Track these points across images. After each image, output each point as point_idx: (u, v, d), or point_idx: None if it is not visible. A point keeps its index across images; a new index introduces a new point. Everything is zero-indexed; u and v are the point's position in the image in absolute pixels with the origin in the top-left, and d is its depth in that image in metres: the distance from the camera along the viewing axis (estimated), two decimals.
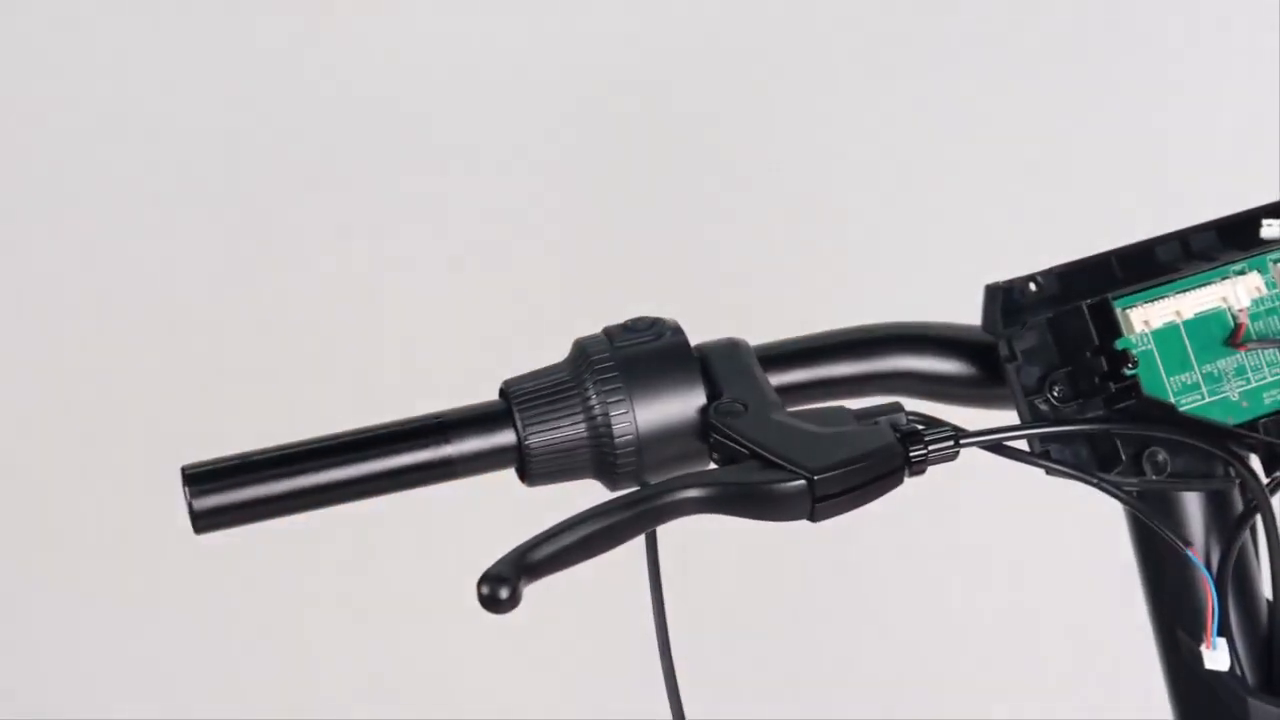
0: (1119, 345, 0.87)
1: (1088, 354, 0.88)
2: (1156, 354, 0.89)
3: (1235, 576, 0.91)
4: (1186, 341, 0.89)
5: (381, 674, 1.89)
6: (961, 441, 0.85)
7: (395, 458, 0.86)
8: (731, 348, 0.89)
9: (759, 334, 0.92)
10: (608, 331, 0.88)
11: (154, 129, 1.78)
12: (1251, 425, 0.89)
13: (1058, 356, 0.89)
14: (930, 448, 0.84)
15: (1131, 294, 0.89)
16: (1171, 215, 0.95)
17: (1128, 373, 0.87)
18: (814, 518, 0.82)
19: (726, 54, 1.82)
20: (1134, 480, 0.89)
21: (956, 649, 1.90)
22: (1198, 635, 0.90)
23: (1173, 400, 0.88)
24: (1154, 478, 0.89)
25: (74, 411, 1.78)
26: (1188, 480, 0.89)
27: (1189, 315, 0.89)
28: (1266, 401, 0.90)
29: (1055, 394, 0.89)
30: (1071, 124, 1.82)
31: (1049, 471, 0.88)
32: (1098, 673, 1.87)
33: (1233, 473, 0.89)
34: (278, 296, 1.78)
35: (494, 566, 0.77)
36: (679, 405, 0.87)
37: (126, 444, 1.78)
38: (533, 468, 0.87)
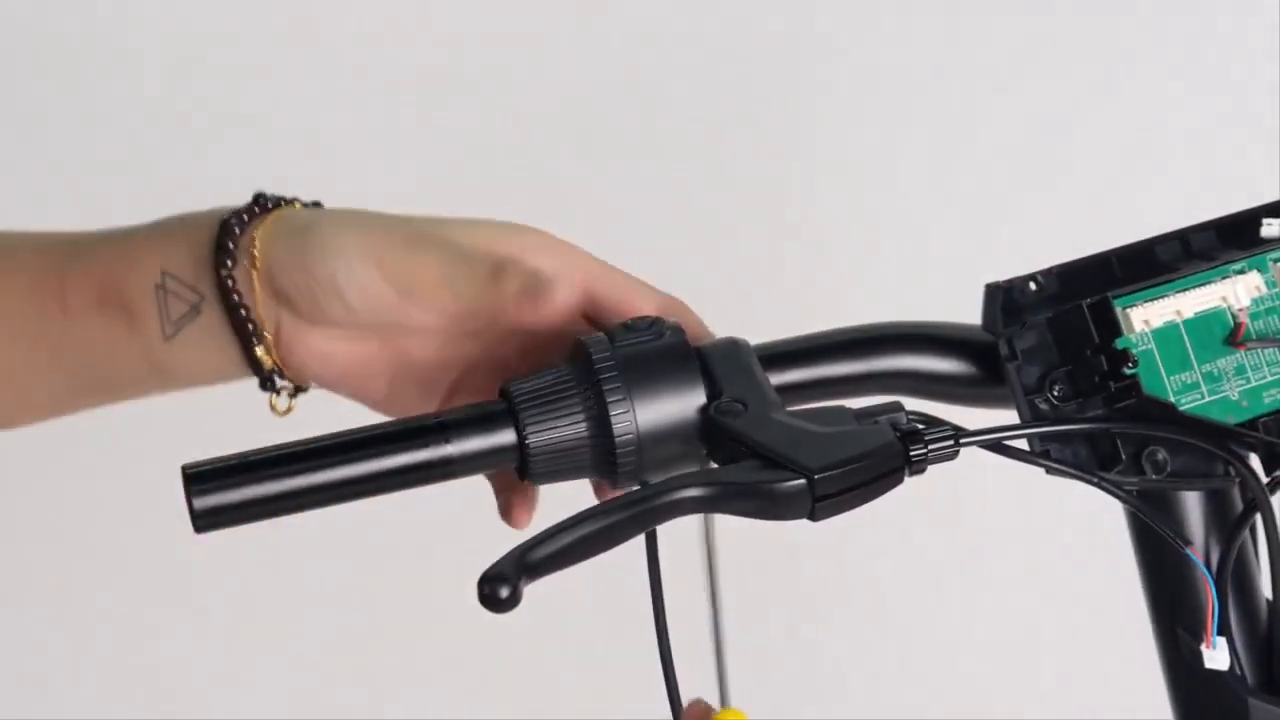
0: (1119, 344, 0.87)
1: (1088, 353, 0.88)
2: (1156, 353, 0.89)
3: (1235, 576, 0.91)
4: (1186, 341, 0.89)
5: (382, 674, 1.89)
6: (961, 441, 0.85)
7: (395, 457, 0.86)
8: (731, 347, 0.89)
9: (759, 333, 0.92)
10: (608, 331, 0.88)
11: (154, 126, 1.78)
12: (1251, 424, 0.89)
13: (1058, 356, 0.89)
14: (930, 447, 0.84)
15: (1131, 293, 0.89)
16: (1171, 214, 0.95)
17: (1128, 372, 0.87)
18: (814, 517, 0.82)
19: (728, 54, 1.82)
20: (1134, 479, 0.89)
21: (955, 648, 1.90)
22: (1198, 634, 0.90)
23: (1173, 399, 0.88)
24: (1154, 477, 0.89)
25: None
26: (1188, 479, 0.89)
27: (1189, 314, 0.89)
28: (1266, 400, 0.90)
29: (1055, 393, 0.89)
30: (1071, 123, 1.82)
31: (1049, 471, 0.88)
32: (1097, 672, 1.87)
33: (1232, 472, 0.89)
34: None
35: (494, 566, 0.77)
36: (679, 405, 0.87)
37: (126, 444, 1.78)
38: (533, 467, 0.87)
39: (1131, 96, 1.83)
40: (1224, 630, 0.89)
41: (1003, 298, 0.88)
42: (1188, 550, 0.90)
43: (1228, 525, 0.91)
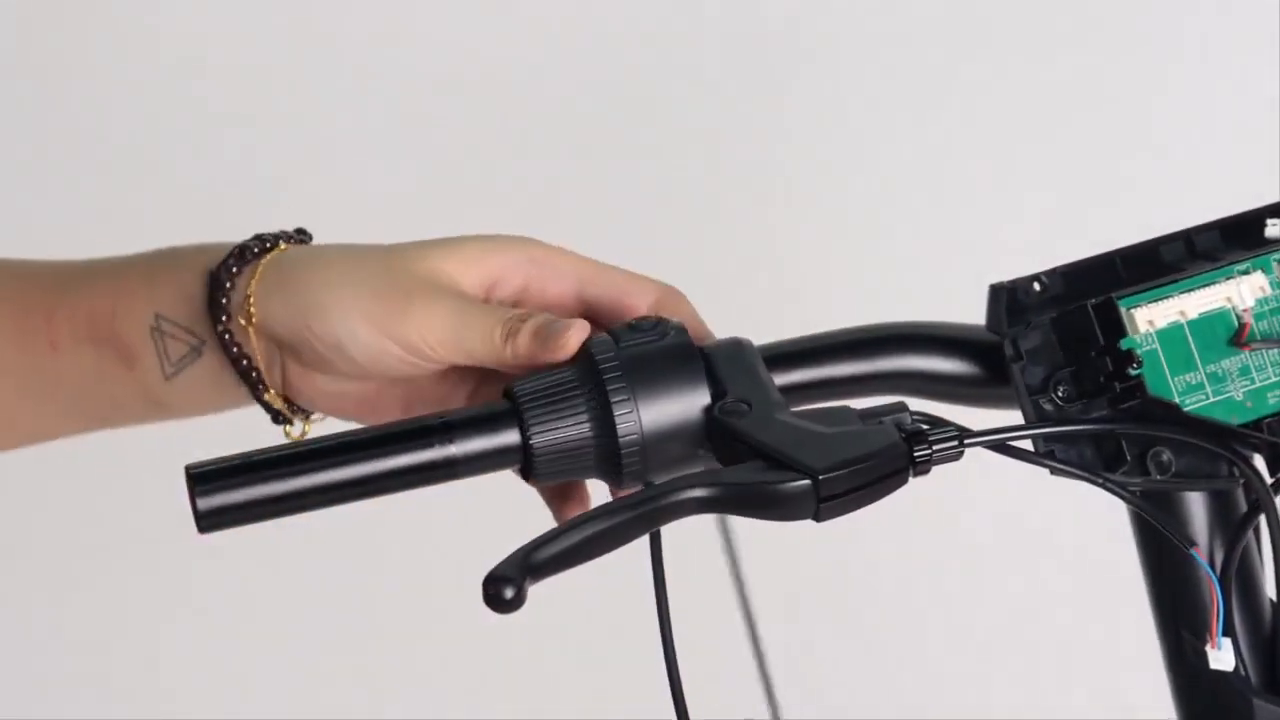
0: (1124, 345, 0.87)
1: (1092, 354, 0.88)
2: (1161, 354, 0.89)
3: (1239, 577, 0.91)
4: (1191, 341, 0.89)
5: (382, 674, 1.89)
6: (966, 441, 0.85)
7: (400, 457, 0.86)
8: (736, 347, 0.89)
9: (763, 334, 0.92)
10: (612, 331, 0.88)
11: (157, 124, 1.78)
12: (1256, 425, 0.89)
13: (1062, 356, 0.89)
14: (935, 447, 0.84)
15: (1136, 294, 0.89)
16: (1176, 215, 0.95)
17: (1132, 373, 0.87)
18: (819, 518, 0.82)
19: (731, 54, 1.82)
20: (1138, 480, 0.88)
21: (958, 648, 1.90)
22: (1202, 635, 0.90)
23: (1177, 400, 0.88)
24: (1158, 478, 0.89)
25: None
26: (1192, 480, 0.89)
27: (1193, 315, 0.89)
28: (1271, 401, 0.90)
29: (1060, 394, 0.89)
30: (1076, 123, 1.82)
31: (1053, 471, 0.88)
32: (1101, 672, 1.87)
33: (1237, 473, 0.89)
34: None
35: (499, 566, 0.77)
36: (683, 405, 0.87)
37: (127, 444, 1.78)
38: (537, 467, 0.87)
39: (1135, 96, 1.83)
40: (1229, 631, 0.89)
41: (1007, 298, 0.88)
42: (1192, 551, 0.89)
43: (1232, 526, 0.91)
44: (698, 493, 0.81)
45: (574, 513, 0.94)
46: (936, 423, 0.86)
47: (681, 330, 0.88)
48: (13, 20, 1.77)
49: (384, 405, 0.96)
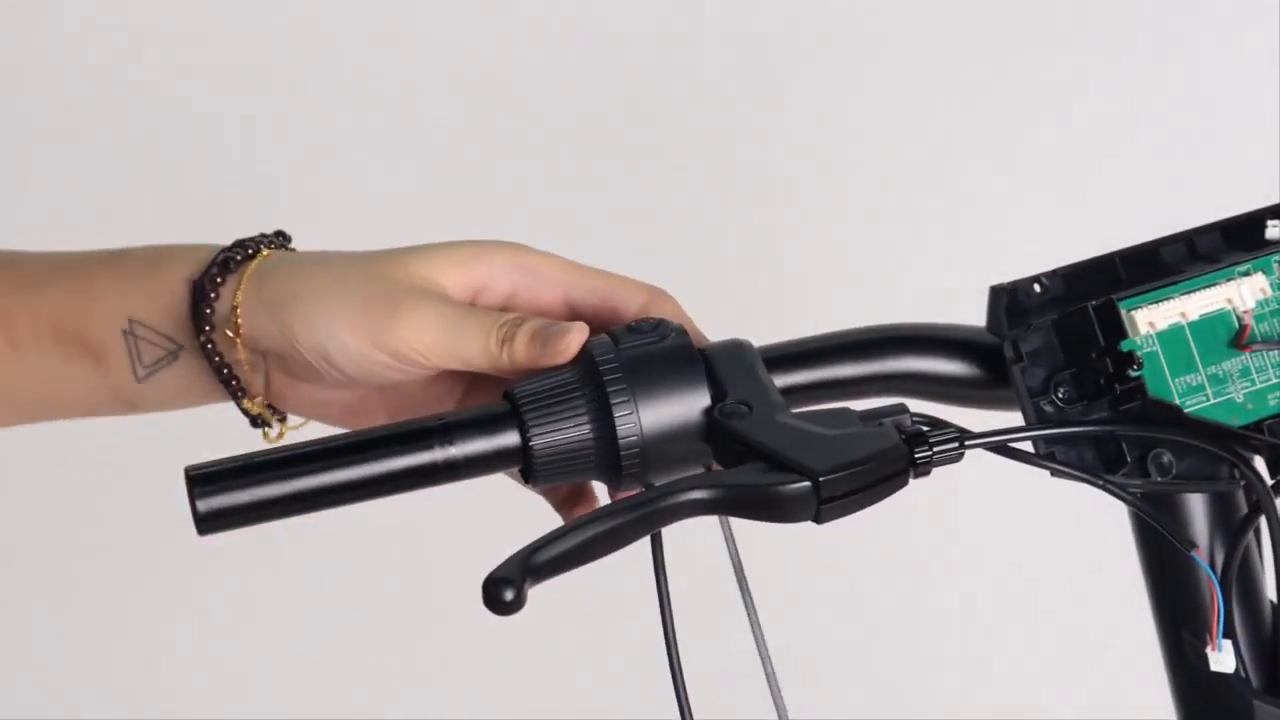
0: (1124, 347, 0.87)
1: (1093, 355, 0.88)
2: (1162, 355, 0.89)
3: (1239, 578, 0.91)
4: (1191, 343, 0.89)
5: (382, 674, 1.89)
6: (966, 443, 0.85)
7: (400, 459, 0.86)
8: (736, 349, 0.89)
9: (763, 334, 0.92)
10: (612, 333, 0.88)
11: (157, 124, 1.78)
12: (1256, 427, 0.89)
13: (1063, 358, 0.89)
14: (935, 449, 0.84)
15: (1137, 295, 0.89)
16: (1176, 216, 0.95)
17: (1133, 374, 0.87)
18: (819, 519, 0.82)
19: (731, 54, 1.82)
20: (1138, 482, 0.88)
21: (959, 648, 1.90)
22: (1202, 637, 0.90)
23: (1178, 402, 0.88)
24: (1159, 479, 0.89)
25: None
26: (1192, 482, 0.89)
27: (1194, 317, 0.89)
28: (1271, 403, 0.90)
29: (1060, 395, 0.89)
30: (1076, 123, 1.82)
31: (1054, 473, 0.88)
32: (1102, 674, 1.87)
33: (1237, 474, 0.89)
34: None
35: (499, 568, 0.77)
36: (683, 407, 0.87)
37: (127, 443, 1.78)
38: (537, 469, 0.87)
39: (1136, 96, 1.83)
40: (1229, 633, 0.89)
41: (1007, 300, 0.88)
42: (1193, 553, 0.89)
43: (1232, 528, 0.91)
44: (698, 494, 0.81)
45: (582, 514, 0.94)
46: (937, 424, 0.86)
47: (682, 332, 0.88)
48: (13, 20, 1.77)
49: (369, 412, 0.96)
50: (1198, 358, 0.89)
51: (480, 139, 1.81)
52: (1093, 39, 1.82)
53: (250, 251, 0.94)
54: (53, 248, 1.02)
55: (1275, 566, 0.88)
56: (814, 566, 1.85)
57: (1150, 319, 0.88)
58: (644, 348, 0.87)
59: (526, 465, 0.87)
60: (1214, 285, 0.90)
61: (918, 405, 0.88)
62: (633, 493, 0.85)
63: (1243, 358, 0.90)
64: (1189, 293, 0.90)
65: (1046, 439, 0.88)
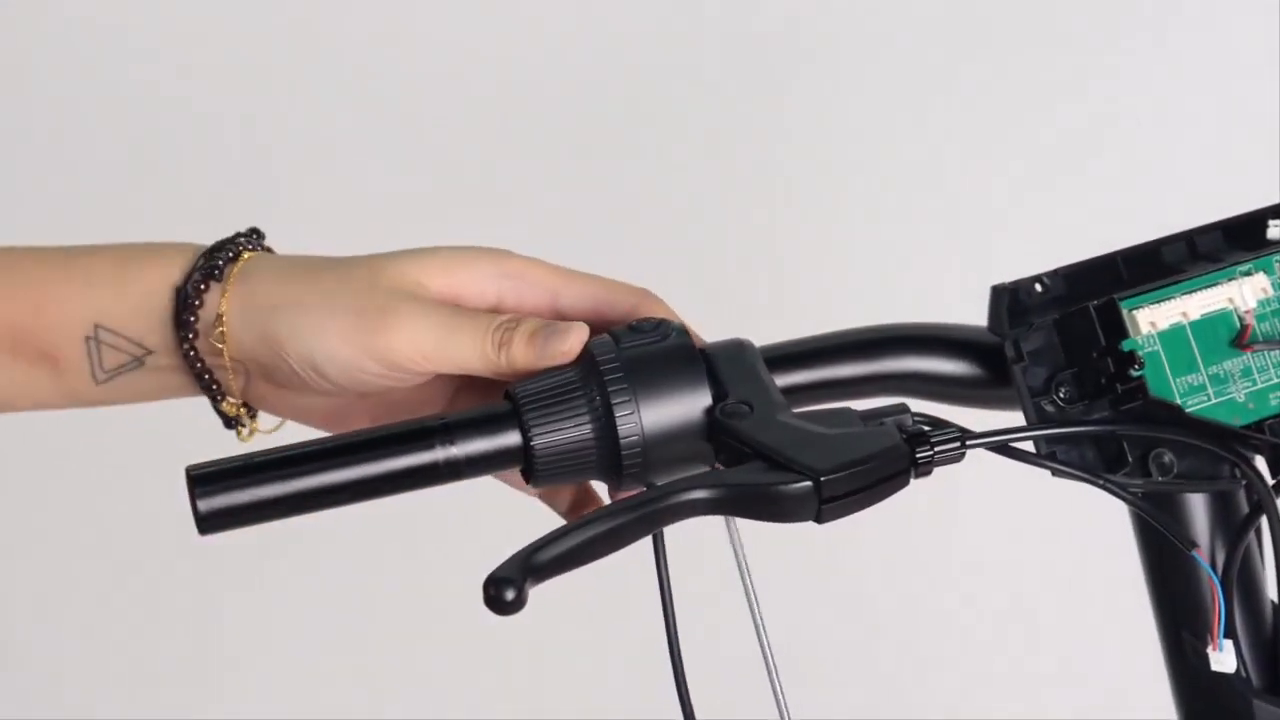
0: (1125, 346, 0.87)
1: (1094, 355, 0.88)
2: (1163, 355, 0.88)
3: (1240, 578, 0.91)
4: (1193, 343, 0.89)
5: (382, 674, 1.89)
6: (968, 443, 0.85)
7: (401, 459, 0.86)
8: (737, 349, 0.89)
9: (763, 334, 0.92)
10: (613, 333, 0.88)
11: (156, 124, 1.78)
12: (1257, 426, 0.89)
13: (1064, 357, 0.89)
14: (936, 449, 0.84)
15: (1138, 295, 0.88)
16: (1176, 216, 0.95)
17: (1134, 374, 0.87)
18: (820, 519, 0.82)
19: (731, 54, 1.82)
20: (1139, 482, 0.88)
21: (960, 648, 1.90)
22: (1203, 636, 0.90)
23: (1179, 402, 0.88)
24: (1160, 479, 0.89)
25: (78, 411, 1.78)
26: (1194, 482, 0.89)
27: (1195, 316, 0.89)
28: (1272, 403, 0.90)
29: (1061, 395, 0.89)
30: (1077, 123, 1.82)
31: (1055, 473, 0.88)
32: (1102, 674, 1.87)
33: (1238, 474, 0.89)
34: None
35: (500, 568, 0.77)
36: (684, 406, 0.87)
37: (127, 443, 1.78)
38: (538, 469, 0.87)
39: (1138, 96, 1.83)
40: (1230, 633, 0.88)
41: (1009, 299, 0.88)
42: (1194, 552, 0.89)
43: (1233, 527, 0.91)
44: (700, 494, 0.81)
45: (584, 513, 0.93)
46: (938, 424, 0.86)
47: (683, 332, 0.88)
48: (13, 20, 1.77)
49: (352, 415, 0.95)
50: (1199, 357, 0.89)
51: (480, 139, 1.81)
52: (1092, 39, 1.82)
53: (231, 254, 0.93)
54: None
55: (1276, 566, 0.88)
56: (814, 566, 1.85)
57: (1152, 319, 0.88)
58: (645, 347, 0.87)
59: (528, 465, 0.87)
60: (1215, 285, 0.90)
61: (919, 405, 0.88)
62: (634, 492, 0.85)
63: (1244, 357, 0.90)
64: (1190, 292, 0.89)
65: (1048, 439, 0.88)
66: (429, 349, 0.88)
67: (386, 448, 0.86)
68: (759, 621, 0.90)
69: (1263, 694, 0.91)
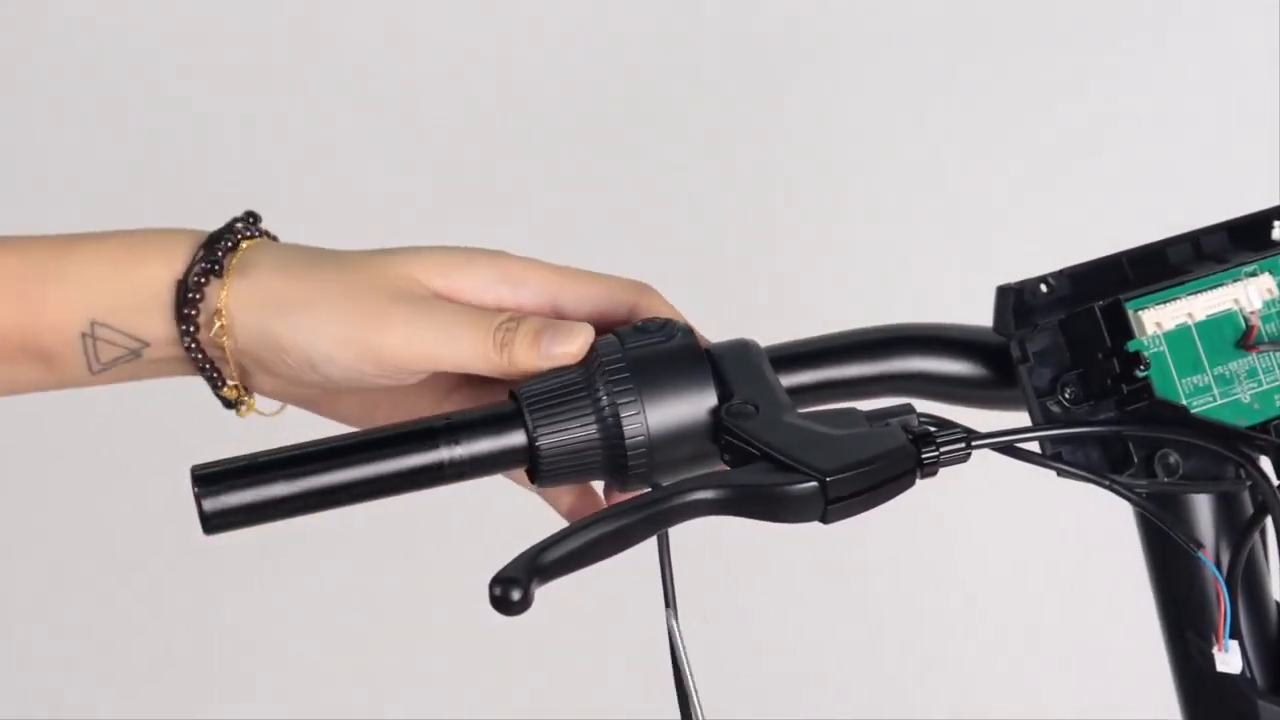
0: (1131, 347, 0.87)
1: (1100, 355, 0.88)
2: (1168, 356, 0.88)
3: (1245, 579, 0.91)
4: (1198, 343, 0.89)
5: (382, 674, 1.88)
6: (973, 443, 0.85)
7: (405, 459, 0.85)
8: (742, 349, 0.89)
9: (763, 334, 0.92)
10: (618, 333, 0.88)
11: (156, 124, 1.78)
12: (1263, 427, 0.89)
13: (1069, 358, 0.89)
14: (942, 449, 0.84)
15: (1143, 295, 0.88)
16: (1183, 216, 0.95)
17: (1140, 374, 0.87)
18: (826, 519, 0.82)
19: (731, 54, 1.82)
20: (1145, 482, 0.88)
21: (962, 648, 1.90)
22: (1207, 637, 0.90)
23: (1184, 402, 0.88)
24: (1165, 480, 0.88)
25: (80, 411, 1.78)
26: (1199, 482, 0.89)
27: (1201, 317, 0.89)
28: (1278, 403, 0.90)
29: (1067, 395, 0.89)
30: (1080, 123, 1.82)
31: (1060, 473, 0.88)
32: (1106, 674, 1.87)
33: (1243, 475, 0.89)
34: None
35: (506, 568, 0.77)
36: (690, 406, 0.87)
37: (128, 443, 1.78)
38: (543, 469, 0.87)
39: (1140, 96, 1.83)
40: (1236, 633, 0.88)
41: (1014, 300, 0.88)
42: (1199, 553, 0.89)
43: (1238, 528, 0.91)
44: (706, 494, 0.81)
45: (584, 514, 0.93)
46: (944, 424, 0.86)
47: (688, 332, 0.88)
48: (13, 20, 1.77)
49: (353, 405, 0.96)
50: (1204, 358, 0.89)
51: (480, 139, 1.81)
52: (1092, 39, 1.82)
53: (230, 244, 0.93)
54: None
55: None
56: (819, 567, 1.85)
57: (1157, 319, 0.88)
58: (650, 348, 0.87)
59: (533, 465, 0.87)
60: (1221, 286, 0.90)
61: (924, 405, 0.88)
62: (639, 493, 0.85)
63: (1249, 358, 0.90)
64: (1196, 293, 0.89)
65: (1053, 439, 0.88)
66: (427, 351, 0.88)
67: (391, 448, 0.86)
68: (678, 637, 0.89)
69: (1268, 695, 0.91)
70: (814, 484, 0.81)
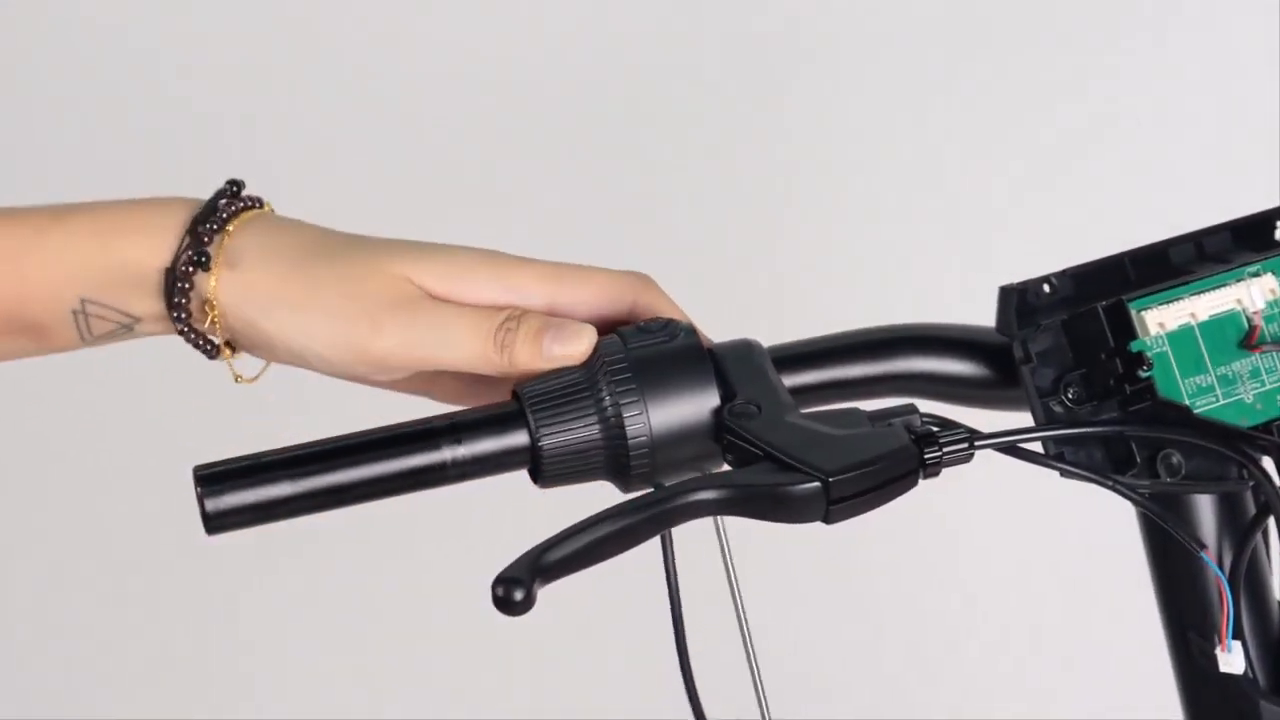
0: (1134, 347, 0.87)
1: (1102, 356, 0.88)
2: (1171, 356, 0.88)
3: (1247, 579, 0.91)
4: (1201, 343, 0.89)
5: (382, 674, 1.88)
6: (976, 443, 0.85)
7: (408, 458, 0.85)
8: (745, 349, 0.89)
9: (764, 334, 0.92)
10: (620, 333, 0.88)
11: (161, 125, 1.78)
12: (1265, 427, 0.89)
13: (1072, 358, 0.89)
14: (945, 450, 0.84)
15: (1146, 296, 0.88)
16: (1178, 216, 0.95)
17: (1142, 375, 0.87)
18: (829, 519, 0.82)
19: (731, 54, 1.82)
20: (1148, 482, 0.88)
21: (963, 648, 1.90)
22: (1210, 637, 0.90)
23: (1187, 402, 0.88)
24: (1168, 480, 0.88)
25: (80, 411, 1.78)
26: (1201, 483, 0.89)
27: (1204, 317, 0.89)
28: None
29: (1070, 396, 0.89)
30: (1081, 123, 1.82)
31: (1063, 474, 0.88)
32: (1108, 674, 1.87)
33: (1246, 475, 0.89)
34: None
35: (509, 568, 0.77)
36: (693, 406, 0.86)
37: (130, 442, 1.78)
38: (546, 469, 0.86)
39: (1142, 96, 1.83)
40: (1238, 634, 0.88)
41: (1017, 300, 0.88)
42: (1202, 553, 0.89)
43: (1240, 528, 0.91)
44: (708, 494, 0.81)
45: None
46: (946, 425, 0.86)
47: (691, 332, 0.88)
48: (13, 20, 1.77)
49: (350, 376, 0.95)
50: (1207, 358, 0.89)
51: (480, 139, 1.81)
52: (1092, 39, 1.82)
53: (214, 227, 0.91)
54: None
55: None
56: (821, 567, 1.85)
57: (1160, 319, 0.88)
58: (653, 348, 0.87)
59: (535, 465, 0.87)
60: (1223, 286, 0.90)
61: (927, 405, 0.88)
62: (641, 492, 0.85)
63: (1252, 358, 0.90)
64: (1198, 293, 0.89)
65: (1056, 439, 0.88)
66: (425, 354, 0.88)
67: (393, 448, 0.86)
68: (745, 627, 0.90)
69: (1270, 695, 0.91)
70: (817, 484, 0.81)
